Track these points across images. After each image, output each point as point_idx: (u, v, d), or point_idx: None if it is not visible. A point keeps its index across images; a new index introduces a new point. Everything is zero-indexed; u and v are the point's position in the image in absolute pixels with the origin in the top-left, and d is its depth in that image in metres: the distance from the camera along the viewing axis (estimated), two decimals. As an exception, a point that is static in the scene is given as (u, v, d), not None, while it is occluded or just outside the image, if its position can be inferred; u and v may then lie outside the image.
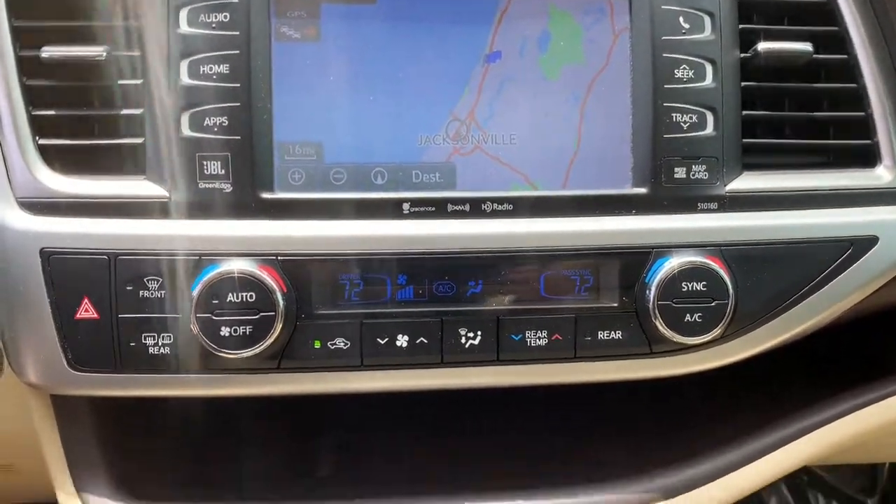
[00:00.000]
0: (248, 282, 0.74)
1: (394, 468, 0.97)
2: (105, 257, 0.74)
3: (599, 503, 0.87)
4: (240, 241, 0.75)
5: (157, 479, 0.88)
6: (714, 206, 0.82)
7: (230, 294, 0.74)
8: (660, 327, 0.79)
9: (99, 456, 0.84)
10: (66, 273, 0.74)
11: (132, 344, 0.75)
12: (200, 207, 0.76)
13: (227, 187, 0.76)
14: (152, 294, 0.75)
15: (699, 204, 0.81)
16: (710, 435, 0.94)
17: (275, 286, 0.75)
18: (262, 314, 0.75)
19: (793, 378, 1.01)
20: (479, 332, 0.79)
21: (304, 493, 0.90)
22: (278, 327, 0.75)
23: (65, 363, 0.76)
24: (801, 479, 1.63)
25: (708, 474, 0.90)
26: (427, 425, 1.03)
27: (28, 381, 0.77)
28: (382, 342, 0.78)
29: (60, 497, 0.83)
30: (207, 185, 0.76)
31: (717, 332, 0.80)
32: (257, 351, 0.75)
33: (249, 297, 0.74)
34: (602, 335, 0.81)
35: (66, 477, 0.82)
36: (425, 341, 0.79)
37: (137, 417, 0.88)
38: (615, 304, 0.81)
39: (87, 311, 0.75)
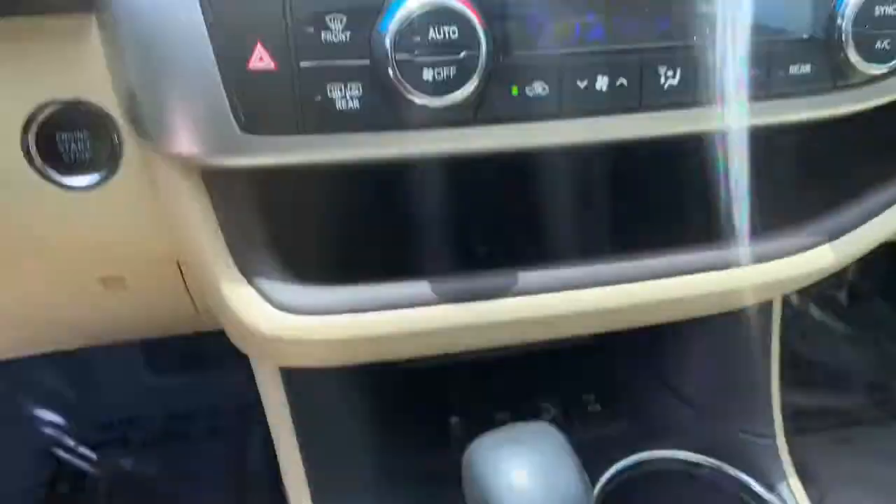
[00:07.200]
0: (448, 15, 0.64)
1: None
2: None
3: (770, 250, 0.86)
4: None
5: (318, 260, 0.80)
6: None
7: (431, 30, 0.64)
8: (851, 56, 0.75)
9: (259, 238, 0.76)
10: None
11: (317, 99, 0.65)
12: None
13: None
14: (336, 36, 0.64)
15: None
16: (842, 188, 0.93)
17: (475, 20, 0.65)
18: (466, 53, 0.65)
19: None
20: (677, 71, 0.73)
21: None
22: (480, 68, 0.66)
23: (235, 127, 0.65)
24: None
25: (864, 215, 0.90)
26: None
27: (183, 153, 0.66)
28: (582, 85, 0.71)
29: (224, 286, 0.74)
30: None
31: None
32: (458, 98, 0.66)
33: (452, 32, 0.65)
34: (792, 69, 0.76)
35: (229, 261, 0.74)
36: (624, 83, 0.72)
37: (286, 194, 0.79)
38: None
39: (261, 59, 0.64)
